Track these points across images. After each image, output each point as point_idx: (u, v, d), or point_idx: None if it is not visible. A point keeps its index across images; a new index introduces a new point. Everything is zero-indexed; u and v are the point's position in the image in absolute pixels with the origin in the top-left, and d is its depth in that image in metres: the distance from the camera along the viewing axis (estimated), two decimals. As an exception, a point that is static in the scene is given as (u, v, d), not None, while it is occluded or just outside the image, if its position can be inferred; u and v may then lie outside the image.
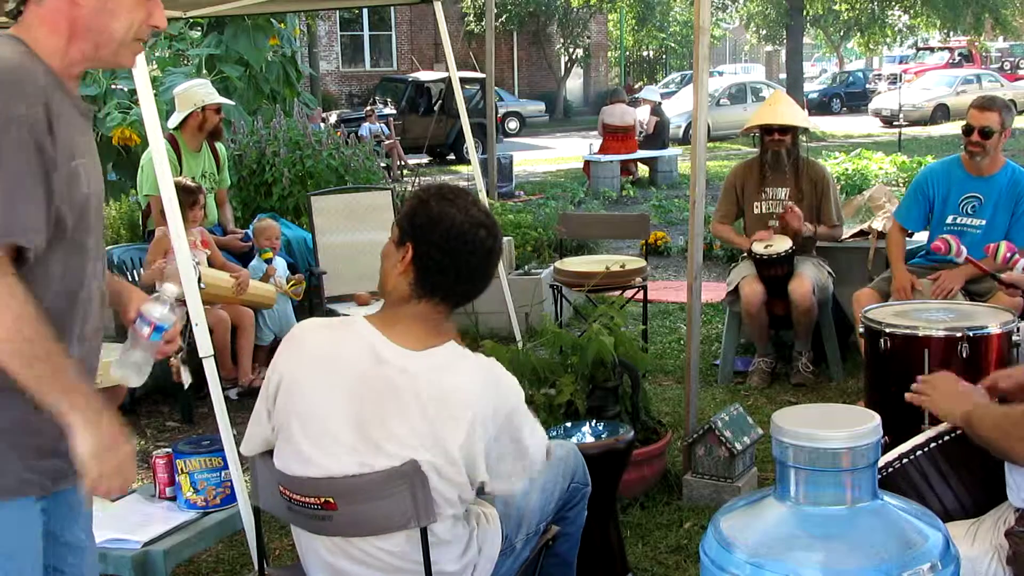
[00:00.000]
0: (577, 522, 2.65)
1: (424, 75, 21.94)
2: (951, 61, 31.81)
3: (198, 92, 5.61)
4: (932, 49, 34.24)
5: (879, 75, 31.55)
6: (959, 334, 3.52)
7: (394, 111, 19.42)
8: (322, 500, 2.08)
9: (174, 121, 5.60)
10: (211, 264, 5.27)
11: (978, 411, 2.22)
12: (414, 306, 2.15)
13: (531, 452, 2.24)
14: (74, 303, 1.85)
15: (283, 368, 2.19)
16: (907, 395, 2.45)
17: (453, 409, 2.07)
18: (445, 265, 2.11)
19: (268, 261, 5.58)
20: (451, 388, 2.09)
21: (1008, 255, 3.93)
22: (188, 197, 4.93)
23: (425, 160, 18.32)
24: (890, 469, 2.30)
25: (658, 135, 15.07)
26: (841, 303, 5.36)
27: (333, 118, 18.36)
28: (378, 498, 2.06)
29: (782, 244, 5.04)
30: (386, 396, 2.08)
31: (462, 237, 2.10)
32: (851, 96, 30.62)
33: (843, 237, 5.58)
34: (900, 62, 36.13)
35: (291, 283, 5.62)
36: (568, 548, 2.64)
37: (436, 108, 19.87)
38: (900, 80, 25.26)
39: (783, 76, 28.42)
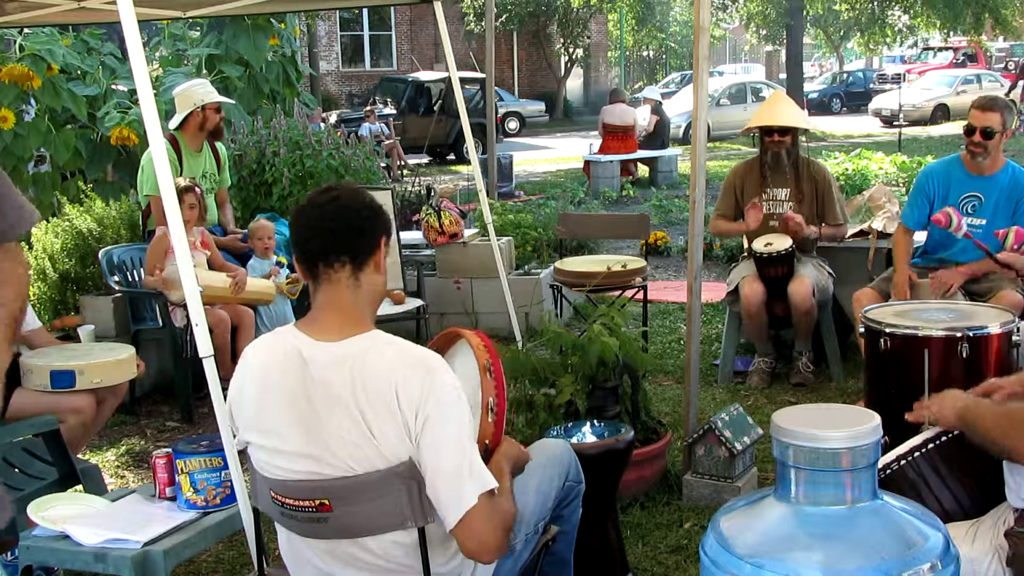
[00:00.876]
0: (572, 520, 2.65)
1: (424, 75, 21.94)
2: (955, 61, 31.76)
3: (197, 91, 5.61)
4: (936, 49, 34.14)
5: (884, 75, 31.46)
6: (959, 334, 3.52)
7: (394, 111, 19.43)
8: (316, 503, 2.09)
9: (175, 122, 5.59)
10: (211, 265, 5.28)
11: (976, 408, 2.22)
12: (319, 293, 2.19)
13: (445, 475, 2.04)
14: None
15: (232, 388, 2.26)
16: (908, 416, 2.45)
17: (381, 391, 2.05)
18: (304, 232, 2.18)
19: (280, 265, 5.58)
20: (374, 370, 2.08)
21: (1016, 245, 3.94)
22: (178, 196, 4.92)
23: (425, 160, 18.31)
24: (888, 471, 2.30)
25: (658, 135, 15.07)
26: (841, 303, 5.35)
27: (333, 118, 18.36)
28: (373, 498, 2.06)
29: (782, 243, 5.04)
30: (319, 396, 2.10)
31: (307, 203, 2.21)
32: (851, 96, 30.60)
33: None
34: (903, 61, 36.02)
35: (288, 282, 5.63)
36: (564, 546, 2.64)
37: (436, 108, 19.87)
38: (904, 80, 25.21)
39: (783, 76, 28.40)
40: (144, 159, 5.46)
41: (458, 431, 2.06)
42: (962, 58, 31.77)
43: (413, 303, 5.72)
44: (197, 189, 5.23)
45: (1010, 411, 2.16)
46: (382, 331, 2.18)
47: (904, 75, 27.17)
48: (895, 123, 20.14)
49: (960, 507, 2.33)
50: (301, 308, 5.80)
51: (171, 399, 5.39)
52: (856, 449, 1.76)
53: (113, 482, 4.35)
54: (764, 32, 30.71)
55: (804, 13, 26.28)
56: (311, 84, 20.64)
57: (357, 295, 2.18)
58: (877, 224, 5.63)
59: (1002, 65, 31.70)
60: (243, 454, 2.54)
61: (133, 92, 6.46)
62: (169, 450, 2.97)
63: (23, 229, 2.02)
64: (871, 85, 30.70)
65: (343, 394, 2.07)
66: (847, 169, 9.38)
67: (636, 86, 30.23)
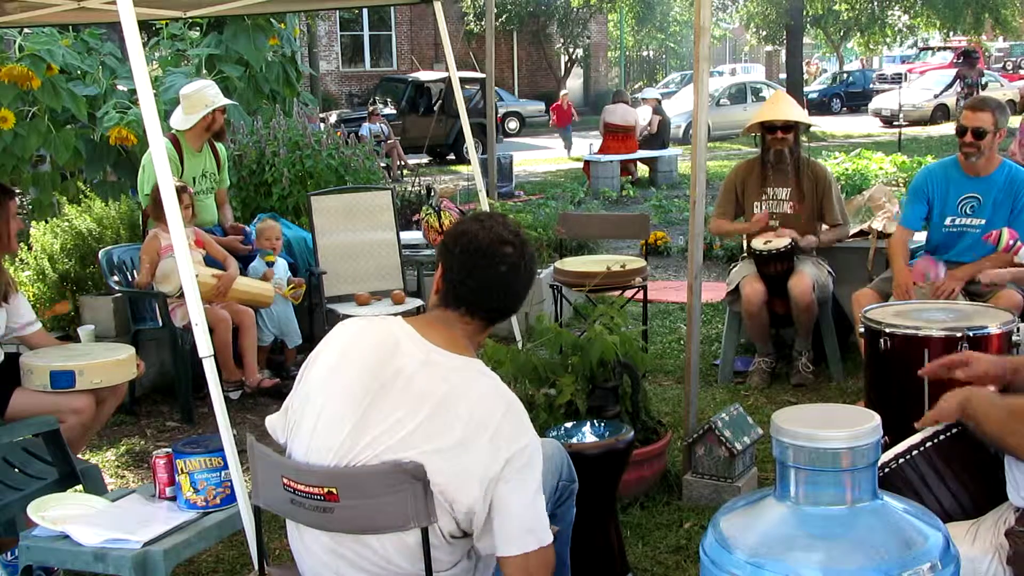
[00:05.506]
0: (567, 519, 2.66)
1: (424, 75, 21.95)
2: (955, 61, 31.70)
3: (208, 94, 5.59)
4: (934, 49, 34.12)
5: (883, 75, 31.43)
6: (959, 334, 3.52)
7: (394, 111, 19.43)
8: (325, 491, 2.09)
9: (186, 123, 5.55)
10: (213, 262, 5.28)
11: (981, 403, 2.22)
12: (442, 312, 2.22)
13: (514, 514, 2.07)
14: None
15: (314, 353, 2.28)
16: (918, 424, 2.43)
17: (461, 414, 2.07)
18: (467, 278, 2.18)
19: (270, 264, 5.58)
20: (464, 393, 2.10)
21: (1011, 242, 3.97)
22: None
23: (425, 160, 18.33)
24: (886, 470, 2.30)
25: (659, 135, 15.09)
26: (841, 303, 5.36)
27: (333, 118, 18.36)
28: (380, 494, 2.06)
29: (782, 240, 5.05)
30: (391, 385, 2.11)
31: (482, 251, 2.17)
32: (851, 96, 30.60)
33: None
34: (903, 61, 36.00)
35: (291, 286, 5.63)
36: (560, 546, 2.64)
37: (436, 108, 19.88)
38: (905, 80, 25.20)
39: (783, 76, 28.41)
40: (145, 158, 5.45)
41: (536, 479, 2.11)
42: (962, 58, 31.68)
43: (413, 303, 5.72)
44: (188, 189, 5.23)
45: (1012, 407, 2.16)
46: (480, 361, 2.21)
47: (905, 75, 27.17)
48: (895, 123, 20.15)
49: (960, 506, 2.33)
50: (303, 311, 5.80)
51: (171, 399, 5.39)
52: (856, 449, 1.76)
53: (113, 482, 4.35)
54: (764, 32, 30.73)
55: (804, 13, 26.28)
56: (311, 84, 20.65)
57: (474, 337, 2.24)
58: (877, 224, 5.63)
59: (999, 65, 31.67)
60: (243, 454, 2.54)
61: (133, 92, 6.46)
62: (169, 450, 2.97)
63: None
64: (871, 85, 30.70)
65: (425, 396, 2.08)
66: (847, 169, 9.38)
67: (636, 86, 30.21)
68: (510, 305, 2.24)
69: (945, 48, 33.24)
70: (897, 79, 28.63)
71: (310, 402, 2.20)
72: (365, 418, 2.11)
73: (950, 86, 17.82)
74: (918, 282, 4.30)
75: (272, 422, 2.33)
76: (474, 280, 2.18)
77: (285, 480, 2.16)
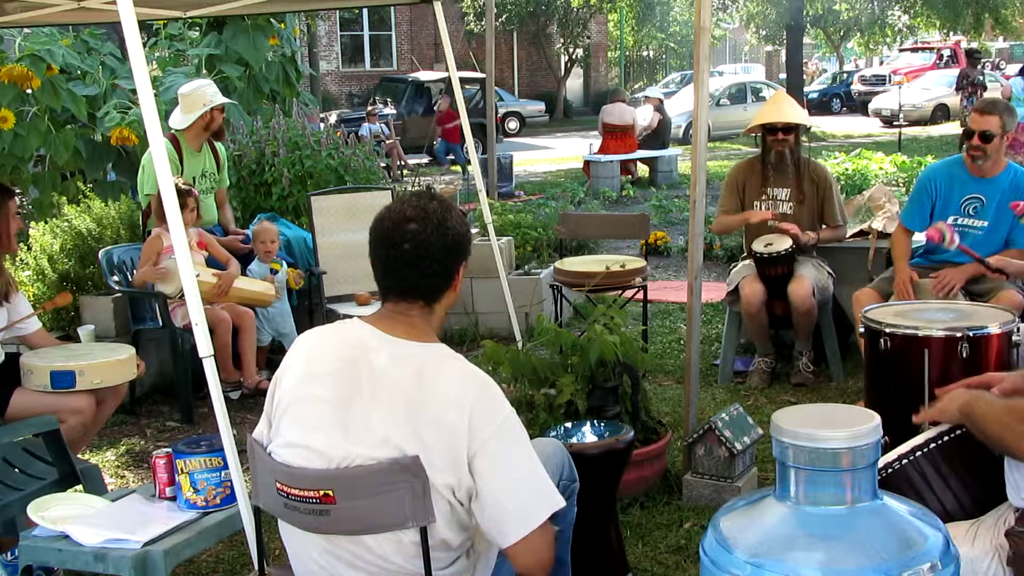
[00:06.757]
0: (568, 519, 2.65)
1: (424, 75, 21.96)
2: (937, 62, 31.68)
3: (206, 93, 5.59)
4: (911, 50, 34.04)
5: (864, 76, 31.49)
6: (959, 334, 3.53)
7: (394, 111, 19.43)
8: (320, 493, 2.08)
9: (184, 122, 5.55)
10: (215, 262, 5.29)
11: (980, 404, 2.22)
12: (387, 304, 2.23)
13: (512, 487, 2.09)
14: None
15: (281, 367, 2.28)
16: (915, 418, 2.43)
17: (436, 399, 2.08)
18: (380, 261, 2.20)
19: (274, 272, 5.58)
20: (438, 380, 2.11)
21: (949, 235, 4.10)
22: (178, 199, 4.91)
23: (425, 160, 18.31)
24: (889, 470, 2.30)
25: (659, 134, 15.08)
26: (841, 303, 5.36)
27: (333, 118, 18.35)
28: (378, 493, 2.06)
29: (782, 243, 5.05)
30: (368, 384, 2.12)
31: (385, 235, 2.18)
32: (851, 96, 30.61)
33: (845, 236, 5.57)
34: (882, 63, 36.02)
35: (295, 272, 5.67)
36: (560, 546, 2.63)
37: (436, 108, 19.87)
38: (889, 81, 25.24)
39: (783, 76, 28.41)
40: (145, 158, 5.45)
41: (526, 449, 2.12)
42: (945, 58, 31.60)
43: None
44: (194, 191, 5.23)
45: (1012, 406, 2.16)
46: (444, 345, 2.22)
47: (890, 76, 27.26)
48: (895, 123, 20.16)
49: (961, 507, 2.33)
50: (301, 310, 5.80)
51: (171, 399, 5.39)
52: (856, 449, 1.76)
53: (113, 482, 4.35)
54: (764, 32, 30.72)
55: (804, 13, 26.26)
56: (311, 84, 20.63)
57: (428, 319, 2.23)
58: (877, 224, 5.63)
59: (982, 65, 31.57)
60: (243, 454, 2.54)
61: (133, 92, 6.45)
62: (169, 450, 2.97)
63: None
64: (850, 86, 30.76)
65: (398, 388, 2.10)
66: (847, 169, 9.38)
67: (636, 86, 30.19)
68: (428, 281, 2.19)
69: (925, 48, 33.17)
70: (880, 81, 28.75)
71: (287, 414, 2.19)
72: (347, 421, 2.11)
73: (959, 87, 17.83)
74: (933, 238, 4.28)
75: (259, 435, 2.30)
76: (384, 267, 2.19)
77: (278, 485, 2.15)
